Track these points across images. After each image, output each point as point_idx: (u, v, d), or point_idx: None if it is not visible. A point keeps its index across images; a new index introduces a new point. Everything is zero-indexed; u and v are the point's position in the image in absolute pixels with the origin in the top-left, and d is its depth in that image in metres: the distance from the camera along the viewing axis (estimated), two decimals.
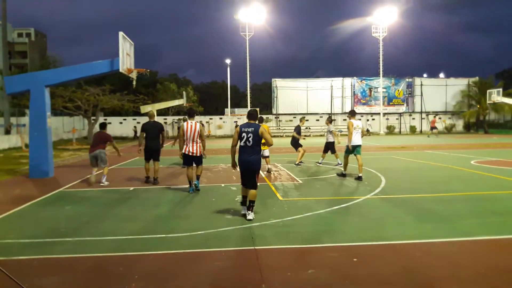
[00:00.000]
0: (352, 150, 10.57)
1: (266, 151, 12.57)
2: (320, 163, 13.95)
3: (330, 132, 13.94)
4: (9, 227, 6.29)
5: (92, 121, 30.94)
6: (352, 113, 10.98)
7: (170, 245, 5.21)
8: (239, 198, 8.25)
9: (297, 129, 13.95)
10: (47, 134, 11.87)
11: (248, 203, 6.62)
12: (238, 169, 6.93)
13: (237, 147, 6.79)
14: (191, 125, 8.89)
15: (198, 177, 9.31)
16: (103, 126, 10.74)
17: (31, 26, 71.64)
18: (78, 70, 12.41)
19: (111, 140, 10.51)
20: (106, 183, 10.22)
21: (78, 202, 8.27)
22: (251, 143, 6.60)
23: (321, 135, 42.05)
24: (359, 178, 10.35)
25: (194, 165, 9.16)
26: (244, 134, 6.64)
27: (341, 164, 13.35)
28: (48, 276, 4.28)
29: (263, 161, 12.55)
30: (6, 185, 10.43)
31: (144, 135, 10.33)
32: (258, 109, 6.85)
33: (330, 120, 14.28)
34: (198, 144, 8.97)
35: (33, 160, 11.75)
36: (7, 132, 29.79)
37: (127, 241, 5.44)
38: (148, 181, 10.45)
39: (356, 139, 10.56)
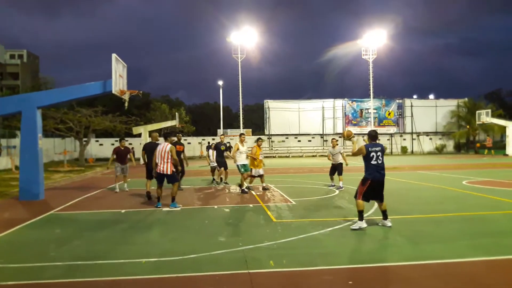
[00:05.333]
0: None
1: (261, 170, 12.76)
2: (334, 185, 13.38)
3: (338, 153, 13.34)
4: None
5: (84, 143, 30.76)
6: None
7: (162, 269, 5.12)
8: (232, 220, 8.19)
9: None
10: (38, 156, 11.71)
11: (385, 214, 7.39)
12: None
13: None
14: (163, 146, 9.72)
15: (173, 199, 9.81)
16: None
17: (23, 48, 71.88)
18: (70, 91, 12.38)
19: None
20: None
21: (69, 225, 8.14)
22: (381, 160, 7.36)
23: (313, 156, 42.22)
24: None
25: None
26: (373, 153, 7.30)
27: (342, 187, 13.09)
28: None
29: (257, 179, 12.82)
30: None
31: (145, 153, 11.47)
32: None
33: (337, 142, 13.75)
34: (168, 164, 9.64)
35: (23, 182, 11.57)
36: None
37: (119, 265, 5.33)
38: (150, 197, 11.06)
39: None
